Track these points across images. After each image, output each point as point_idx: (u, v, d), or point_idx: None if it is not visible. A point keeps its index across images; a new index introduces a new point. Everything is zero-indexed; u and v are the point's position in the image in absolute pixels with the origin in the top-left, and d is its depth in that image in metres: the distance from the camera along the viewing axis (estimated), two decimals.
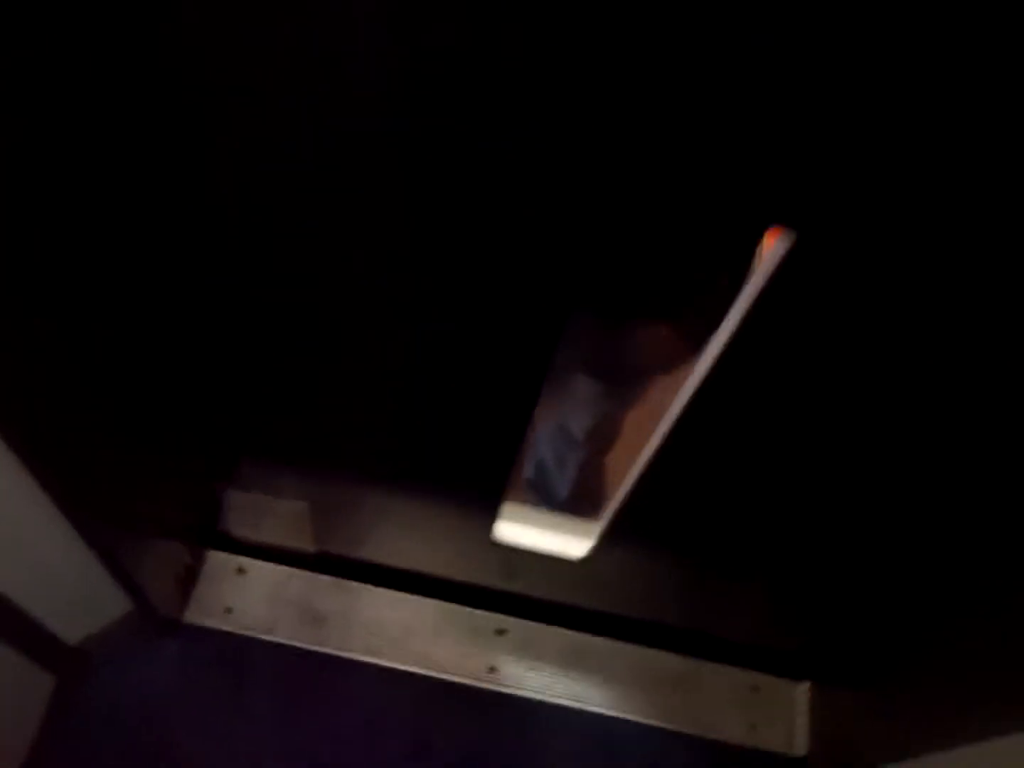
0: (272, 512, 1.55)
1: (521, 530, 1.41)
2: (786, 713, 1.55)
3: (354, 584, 1.55)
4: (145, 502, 1.26)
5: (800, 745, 1.53)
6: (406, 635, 1.52)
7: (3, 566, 1.07)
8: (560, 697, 1.50)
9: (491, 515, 1.39)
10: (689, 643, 1.57)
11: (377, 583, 1.55)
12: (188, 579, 1.49)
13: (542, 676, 1.52)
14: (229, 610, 1.50)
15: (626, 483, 1.21)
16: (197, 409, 1.32)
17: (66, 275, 0.87)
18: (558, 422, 1.50)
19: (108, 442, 1.09)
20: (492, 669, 1.51)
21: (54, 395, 0.93)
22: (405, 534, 1.53)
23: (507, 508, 1.37)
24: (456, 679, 1.49)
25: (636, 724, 1.51)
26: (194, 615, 1.48)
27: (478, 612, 1.55)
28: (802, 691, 1.56)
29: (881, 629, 1.39)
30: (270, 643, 1.49)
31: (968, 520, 1.11)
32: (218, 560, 1.54)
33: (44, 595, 1.17)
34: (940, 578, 1.22)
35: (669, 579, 1.49)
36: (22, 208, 0.76)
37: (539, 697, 1.50)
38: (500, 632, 1.54)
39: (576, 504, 1.47)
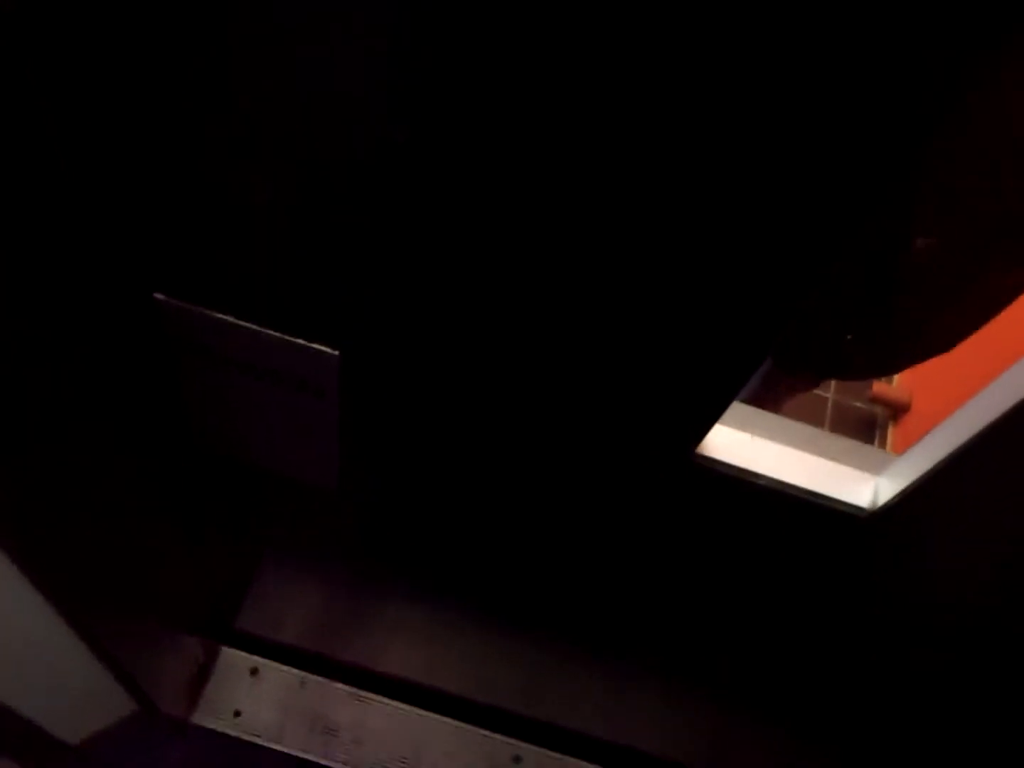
0: (292, 613, 1.51)
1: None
2: None
3: (368, 695, 1.49)
4: (155, 600, 1.23)
5: None
6: (417, 755, 1.44)
7: None
8: None
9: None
10: None
11: (392, 696, 1.49)
12: (199, 679, 1.45)
13: None
14: (238, 713, 1.45)
15: None
16: (218, 503, 1.30)
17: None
18: None
19: (112, 536, 1.07)
20: None
21: (42, 480, 0.91)
22: (424, 647, 1.47)
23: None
24: None
25: None
26: (202, 717, 1.44)
27: (494, 736, 1.47)
28: None
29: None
30: (277, 752, 1.43)
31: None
32: (232, 659, 1.50)
33: (41, 695, 1.14)
34: None
35: (693, 715, 1.40)
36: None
37: None
38: (516, 760, 1.46)
39: None
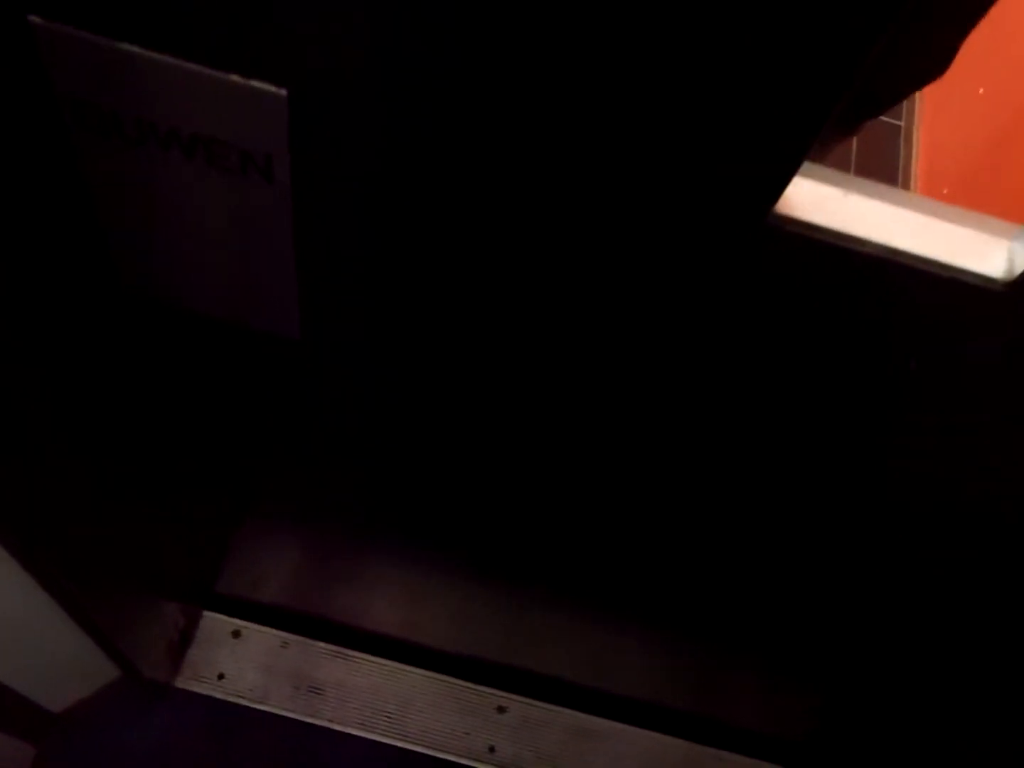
0: (272, 574, 1.50)
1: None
2: None
3: (352, 653, 1.49)
4: (134, 565, 1.22)
5: None
6: (404, 710, 1.46)
7: None
8: None
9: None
10: (695, 729, 1.50)
11: (376, 653, 1.50)
12: (181, 643, 1.45)
13: (543, 758, 1.44)
14: (222, 676, 1.45)
15: None
16: (200, 466, 1.29)
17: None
18: None
19: (90, 502, 1.06)
20: (492, 749, 1.44)
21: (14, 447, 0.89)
22: (406, 602, 1.48)
23: None
24: (454, 758, 1.43)
25: None
26: (185, 681, 1.43)
27: (479, 688, 1.49)
28: None
29: (890, 725, 1.31)
30: (263, 712, 1.43)
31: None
32: (213, 622, 1.49)
33: (22, 663, 1.13)
34: (952, 676, 1.15)
35: (677, 660, 1.43)
36: None
37: None
38: (501, 710, 1.48)
39: None
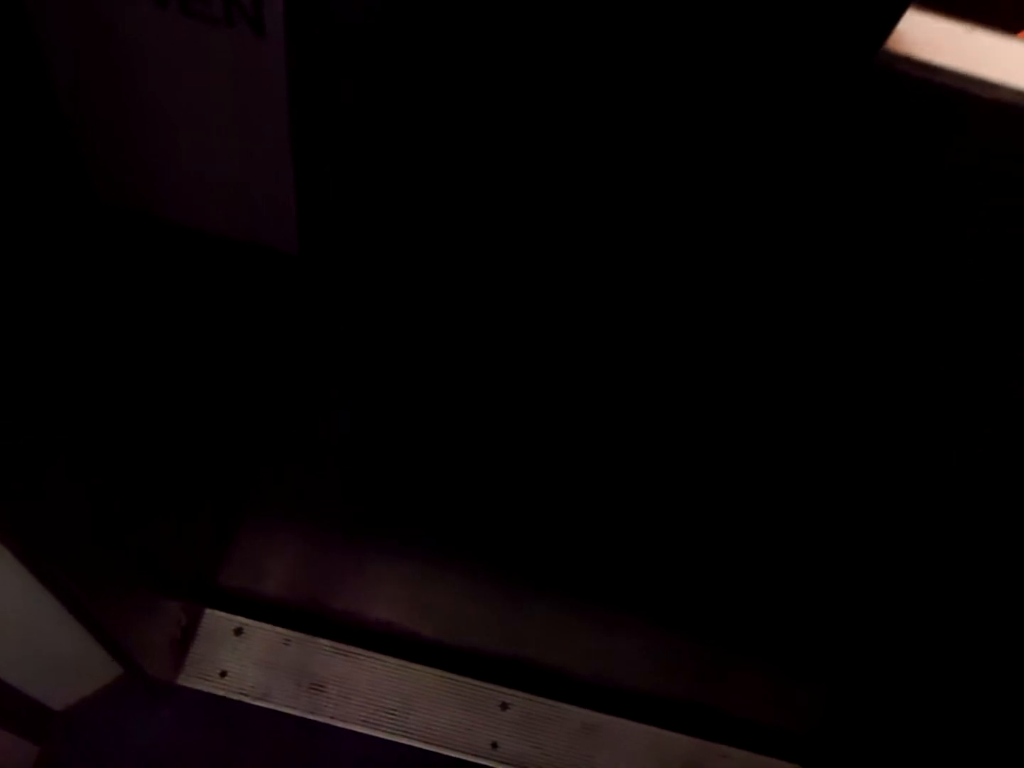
0: (274, 571, 1.50)
1: None
2: None
3: (354, 649, 1.49)
4: (136, 563, 1.22)
5: None
6: (406, 706, 1.45)
7: None
8: None
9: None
10: (699, 724, 1.49)
11: (378, 649, 1.49)
12: (183, 640, 1.44)
13: (546, 754, 1.44)
14: (224, 673, 1.45)
15: None
16: (201, 465, 1.28)
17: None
18: None
19: (92, 502, 1.05)
20: (495, 745, 1.44)
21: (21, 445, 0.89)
22: (408, 599, 1.48)
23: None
24: (457, 755, 1.42)
25: None
26: (187, 678, 1.43)
27: (482, 684, 1.49)
28: None
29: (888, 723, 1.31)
30: (265, 710, 1.43)
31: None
32: (215, 620, 1.49)
33: (26, 662, 1.13)
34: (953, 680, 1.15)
35: (681, 656, 1.42)
36: None
37: None
38: (504, 706, 1.48)
39: None
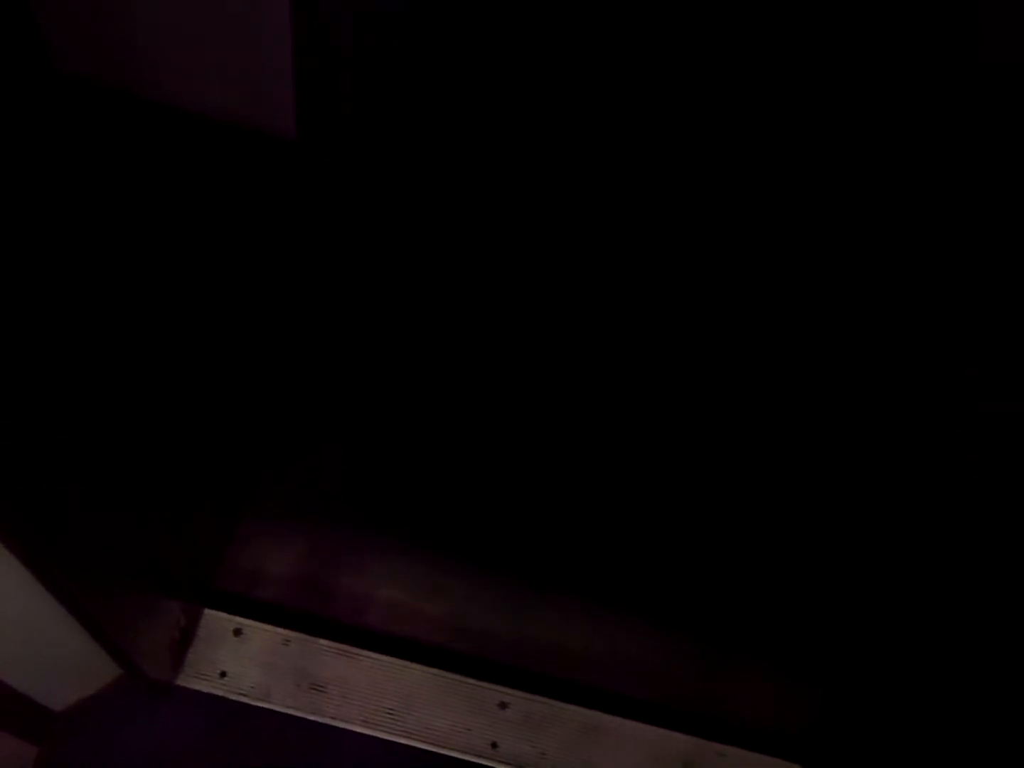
0: (274, 571, 1.50)
1: None
2: None
3: (354, 650, 1.49)
4: (136, 564, 1.22)
5: None
6: (406, 706, 1.46)
7: None
8: None
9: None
10: (697, 724, 1.50)
11: (378, 650, 1.50)
12: (182, 641, 1.44)
13: (545, 754, 1.44)
14: (224, 674, 1.44)
15: None
16: (200, 466, 1.28)
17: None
18: None
19: (91, 502, 1.05)
20: (494, 745, 1.44)
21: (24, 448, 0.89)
22: (407, 599, 1.48)
23: None
24: (456, 754, 1.43)
25: None
26: (187, 679, 1.43)
27: (481, 684, 1.49)
28: None
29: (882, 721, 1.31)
30: (265, 710, 1.43)
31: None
32: (215, 621, 1.49)
33: (25, 663, 1.13)
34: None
35: (680, 657, 1.42)
36: None
37: None
38: (503, 706, 1.48)
39: None
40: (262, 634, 1.48)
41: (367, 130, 0.74)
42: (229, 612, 1.49)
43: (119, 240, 0.89)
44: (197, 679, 1.43)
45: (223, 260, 0.95)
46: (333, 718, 1.43)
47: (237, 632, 1.48)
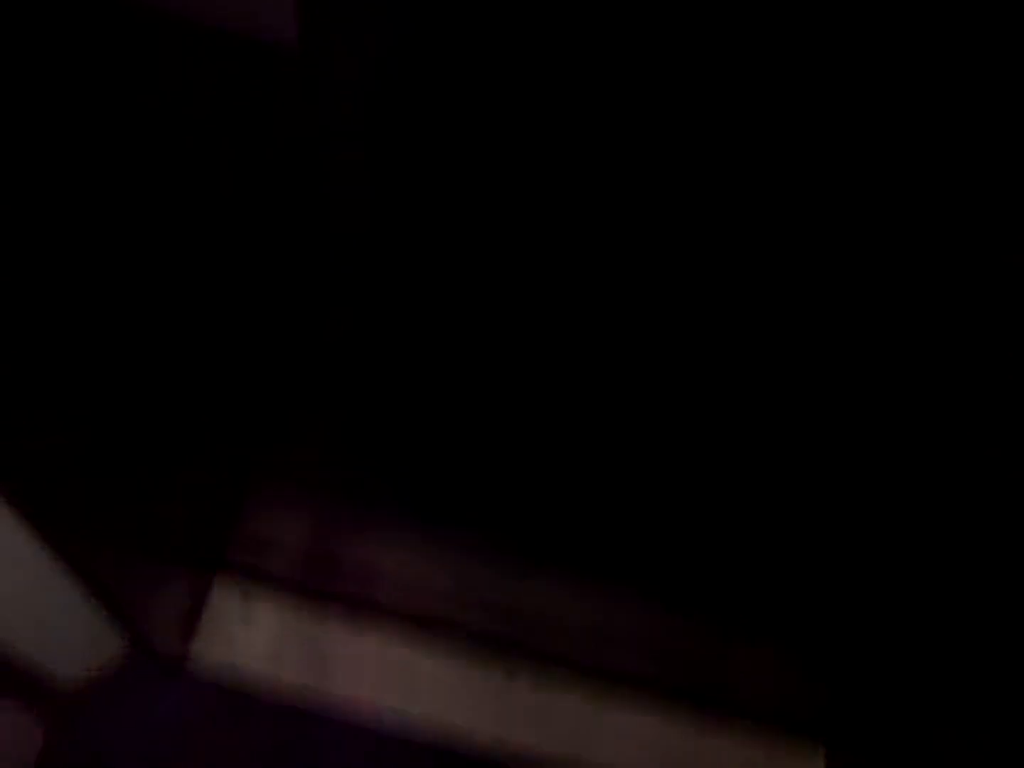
0: (284, 545, 1.49)
1: None
2: None
3: (363, 625, 1.48)
4: (145, 534, 1.20)
5: None
6: (416, 689, 1.44)
7: None
8: (572, 764, 1.42)
9: None
10: (702, 704, 1.48)
11: (385, 621, 1.48)
12: (192, 614, 1.43)
13: (552, 735, 1.44)
14: (232, 649, 1.43)
15: None
16: (208, 432, 1.26)
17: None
18: None
19: (100, 469, 1.03)
20: (499, 725, 1.43)
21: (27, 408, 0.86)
22: (417, 571, 1.47)
23: None
24: (463, 731, 1.42)
25: None
26: (196, 652, 1.42)
27: (487, 663, 1.48)
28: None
29: (900, 695, 1.31)
30: (274, 684, 1.42)
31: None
32: (224, 592, 1.48)
33: (35, 637, 1.11)
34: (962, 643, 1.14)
35: (684, 638, 1.41)
36: None
37: (550, 762, 1.42)
38: (509, 675, 1.47)
39: None
40: (271, 606, 1.47)
41: (374, 39, 0.69)
42: (239, 586, 1.48)
43: (110, 165, 0.85)
44: (206, 653, 1.42)
45: (219, 189, 0.90)
46: (341, 692, 1.42)
47: (246, 604, 1.47)
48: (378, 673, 1.44)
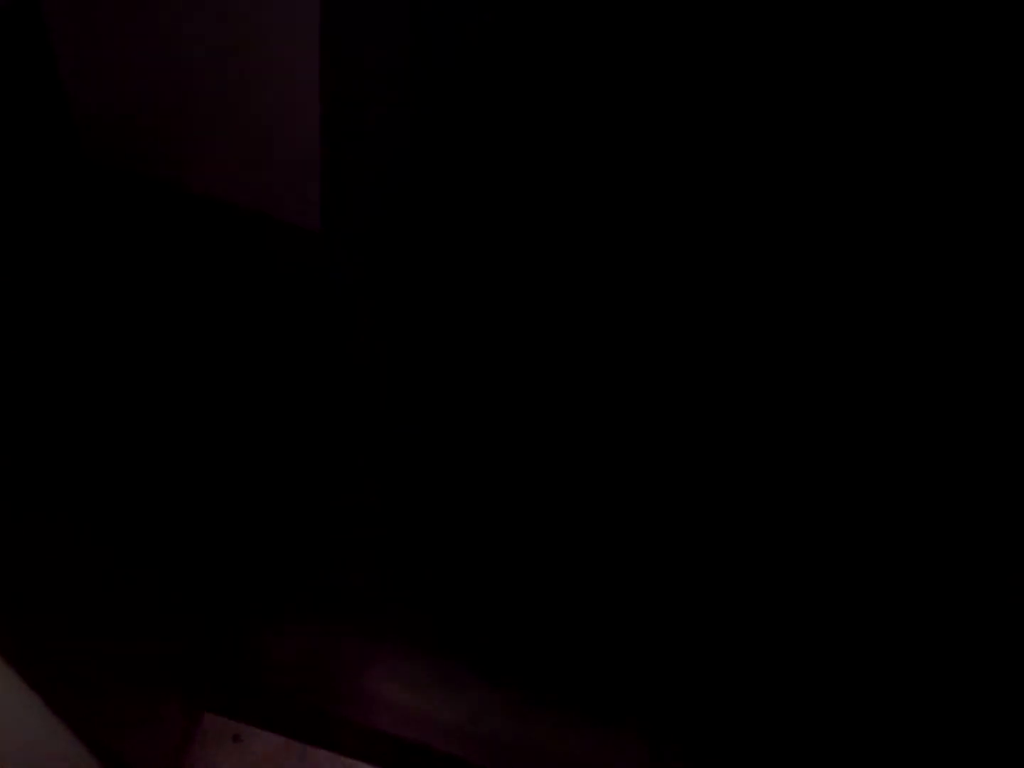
0: (276, 675, 1.47)
1: None
2: None
3: (354, 762, 1.44)
4: (132, 667, 1.19)
5: None
6: None
7: None
8: None
9: None
10: None
11: (380, 762, 1.44)
12: (180, 746, 1.40)
13: None
14: None
15: None
16: (194, 566, 1.27)
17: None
18: None
19: (87, 604, 1.03)
20: None
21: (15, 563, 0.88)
22: (415, 708, 1.43)
23: None
24: None
25: None
26: None
27: None
28: None
29: None
30: None
31: None
32: (214, 725, 1.45)
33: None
34: None
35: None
36: None
37: None
38: None
39: None
40: (262, 740, 1.44)
41: (390, 226, 0.73)
42: (229, 716, 1.45)
43: (142, 329, 0.90)
44: None
45: (244, 352, 0.94)
46: None
47: (236, 738, 1.44)
48: None
